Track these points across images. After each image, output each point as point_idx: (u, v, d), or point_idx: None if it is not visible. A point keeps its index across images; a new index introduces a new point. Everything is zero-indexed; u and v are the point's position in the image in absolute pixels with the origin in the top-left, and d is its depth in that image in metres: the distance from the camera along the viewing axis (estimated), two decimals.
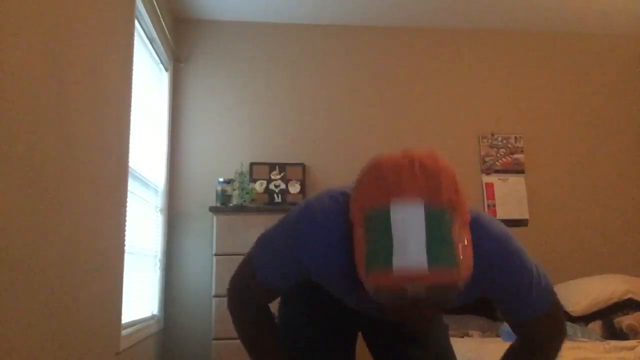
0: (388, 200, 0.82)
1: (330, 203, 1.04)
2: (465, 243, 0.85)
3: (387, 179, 0.84)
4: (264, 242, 1.14)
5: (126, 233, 2.34)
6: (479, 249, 0.99)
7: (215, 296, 3.03)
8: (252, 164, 3.54)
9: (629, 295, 3.10)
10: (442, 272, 0.80)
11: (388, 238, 0.81)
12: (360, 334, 1.47)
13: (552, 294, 1.12)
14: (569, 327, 2.69)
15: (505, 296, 1.07)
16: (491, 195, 3.78)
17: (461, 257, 0.82)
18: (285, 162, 3.57)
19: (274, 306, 1.30)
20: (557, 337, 1.17)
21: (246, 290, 1.18)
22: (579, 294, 3.16)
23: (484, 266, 1.01)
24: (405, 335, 1.37)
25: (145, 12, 2.81)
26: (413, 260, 0.79)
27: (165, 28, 3.23)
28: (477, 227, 1.01)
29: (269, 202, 3.44)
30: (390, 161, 0.87)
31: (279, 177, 3.52)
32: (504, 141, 3.88)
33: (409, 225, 0.80)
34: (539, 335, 1.15)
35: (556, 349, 1.18)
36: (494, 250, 1.02)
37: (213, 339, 2.99)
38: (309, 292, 1.38)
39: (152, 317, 3.11)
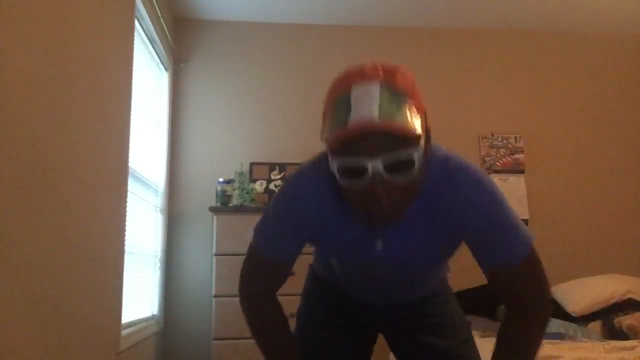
0: (350, 85, 0.95)
1: (310, 163, 1.16)
2: (419, 124, 0.95)
3: (351, 73, 0.98)
4: (261, 222, 1.23)
5: (126, 233, 2.34)
6: (450, 179, 1.07)
7: (215, 296, 3.02)
8: (252, 164, 3.54)
9: (629, 295, 3.09)
10: (393, 124, 0.90)
11: (348, 106, 0.93)
12: (382, 336, 1.49)
13: (532, 245, 1.09)
14: (569, 327, 2.69)
15: (478, 232, 1.07)
16: None
17: (414, 126, 0.93)
18: (285, 162, 3.57)
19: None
20: (541, 303, 1.12)
21: (254, 277, 1.25)
22: (579, 294, 3.16)
23: (455, 196, 1.06)
24: (424, 326, 1.38)
25: (145, 12, 2.81)
26: (365, 113, 0.90)
27: (165, 28, 3.23)
28: (449, 160, 1.09)
29: (269, 202, 3.43)
30: (356, 64, 1.00)
31: (279, 177, 3.52)
32: (504, 141, 3.88)
33: (365, 95, 0.92)
34: (520, 295, 1.11)
35: (543, 318, 1.13)
36: (465, 179, 1.07)
37: (213, 339, 2.99)
38: (325, 293, 1.43)
39: (152, 317, 3.11)
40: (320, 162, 1.12)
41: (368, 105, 0.91)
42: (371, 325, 1.46)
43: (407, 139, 0.92)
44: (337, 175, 0.97)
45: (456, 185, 1.06)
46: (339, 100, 0.96)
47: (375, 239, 1.14)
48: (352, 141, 0.92)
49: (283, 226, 1.17)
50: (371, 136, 0.91)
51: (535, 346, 1.12)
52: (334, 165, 0.97)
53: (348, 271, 1.30)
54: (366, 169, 0.92)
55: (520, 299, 1.12)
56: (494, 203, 1.07)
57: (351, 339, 1.41)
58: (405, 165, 0.93)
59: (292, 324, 1.44)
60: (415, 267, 1.23)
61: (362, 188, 0.95)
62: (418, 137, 0.95)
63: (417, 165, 0.94)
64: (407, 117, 0.92)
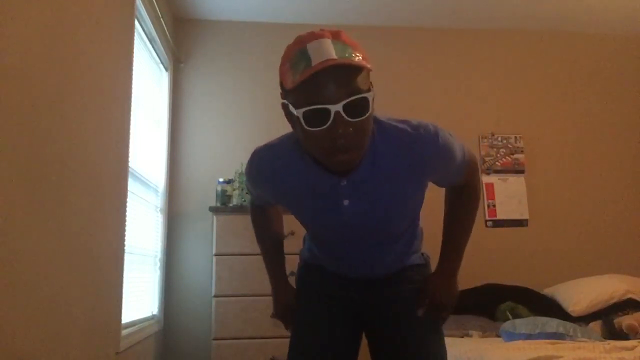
0: (304, 44, 1.07)
1: (263, 145, 1.36)
2: (369, 83, 1.10)
3: (301, 37, 1.10)
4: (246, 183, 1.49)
5: (126, 233, 2.34)
6: (392, 131, 1.26)
7: (215, 296, 3.02)
8: None
9: (629, 295, 3.10)
10: (350, 59, 1.04)
11: (307, 56, 1.05)
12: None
13: (468, 156, 1.35)
14: (569, 327, 2.69)
15: (436, 173, 1.29)
16: (491, 195, 3.78)
17: (368, 63, 1.07)
18: None
19: None
20: (476, 182, 1.42)
21: (253, 201, 1.60)
22: (579, 294, 3.16)
23: (405, 142, 1.24)
24: (399, 318, 1.46)
25: (145, 12, 2.81)
26: (325, 55, 1.03)
27: (165, 28, 3.23)
28: (408, 121, 1.29)
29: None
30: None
31: None
32: (504, 141, 3.88)
33: (320, 45, 1.05)
34: (463, 184, 1.41)
35: (477, 190, 1.42)
36: (406, 128, 1.26)
37: (213, 339, 2.99)
38: (311, 275, 1.57)
39: (152, 317, 3.11)
40: (279, 141, 1.35)
41: (326, 51, 1.03)
42: (353, 306, 1.51)
43: (361, 84, 1.06)
44: (303, 124, 1.07)
45: (420, 143, 1.23)
46: (296, 54, 1.07)
47: (342, 199, 1.27)
48: (315, 88, 1.03)
49: (255, 190, 1.43)
50: (331, 81, 1.03)
51: (472, 216, 1.44)
52: (300, 114, 1.06)
53: (324, 237, 1.42)
54: (329, 112, 1.04)
55: (463, 186, 1.41)
56: (449, 151, 1.26)
57: (339, 321, 1.49)
58: (361, 107, 1.06)
59: (292, 281, 1.62)
60: (382, 217, 1.31)
61: (324, 131, 1.06)
62: (368, 74, 1.10)
63: (370, 108, 1.08)
64: (360, 57, 1.07)
